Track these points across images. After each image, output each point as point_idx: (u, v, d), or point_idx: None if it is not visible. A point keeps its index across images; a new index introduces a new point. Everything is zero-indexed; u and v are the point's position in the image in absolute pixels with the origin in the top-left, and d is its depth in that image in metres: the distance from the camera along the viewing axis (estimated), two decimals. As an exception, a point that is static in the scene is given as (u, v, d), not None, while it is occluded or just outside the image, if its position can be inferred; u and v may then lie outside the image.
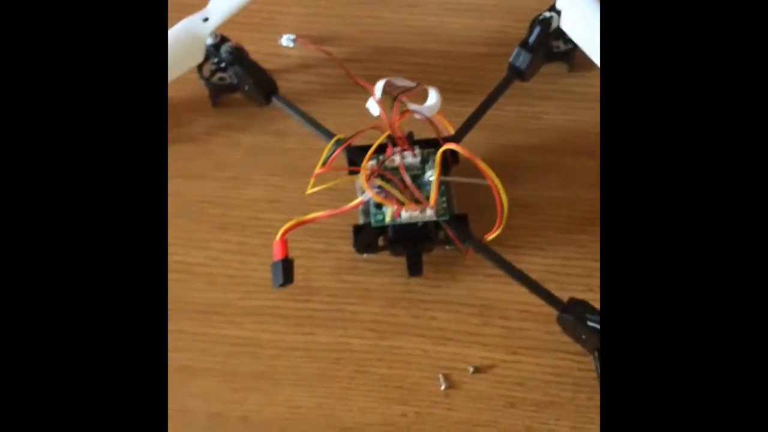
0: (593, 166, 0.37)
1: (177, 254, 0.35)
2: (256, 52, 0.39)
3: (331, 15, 0.42)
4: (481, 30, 0.41)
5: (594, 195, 0.36)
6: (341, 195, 0.33)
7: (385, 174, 0.32)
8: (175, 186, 0.37)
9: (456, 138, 0.33)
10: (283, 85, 0.38)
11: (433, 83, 0.39)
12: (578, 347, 0.32)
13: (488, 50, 0.40)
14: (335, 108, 0.39)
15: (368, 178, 0.31)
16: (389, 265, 0.35)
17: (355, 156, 0.32)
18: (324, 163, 0.31)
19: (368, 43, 0.41)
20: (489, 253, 0.31)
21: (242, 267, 0.35)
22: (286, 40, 0.40)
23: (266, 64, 0.40)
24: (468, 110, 0.36)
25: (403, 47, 0.41)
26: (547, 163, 0.37)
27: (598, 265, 0.34)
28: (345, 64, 0.39)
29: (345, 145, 0.31)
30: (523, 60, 0.34)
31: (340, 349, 0.33)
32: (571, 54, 0.37)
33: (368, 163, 0.31)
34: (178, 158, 0.38)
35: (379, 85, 0.31)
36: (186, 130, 0.39)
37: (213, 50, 0.35)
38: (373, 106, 0.31)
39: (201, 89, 0.39)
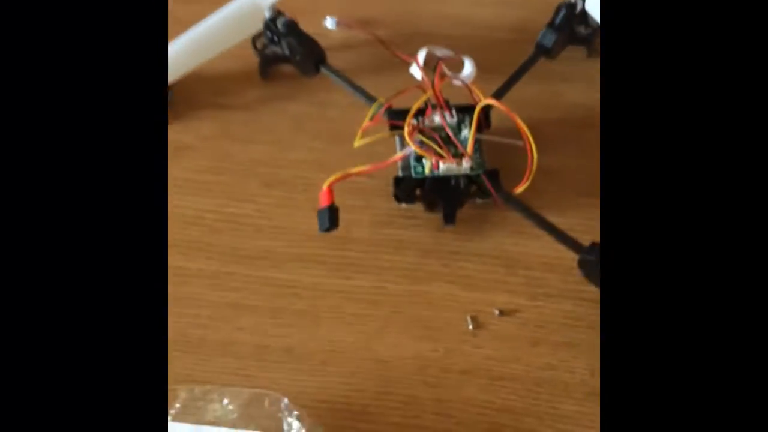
0: (609, 139, 0.40)
1: (228, 207, 0.39)
2: (300, 33, 0.43)
3: (372, 1, 0.46)
4: (507, 19, 0.45)
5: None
6: (381, 154, 0.37)
7: (424, 129, 0.35)
8: (225, 147, 0.41)
9: (488, 105, 0.37)
10: (327, 62, 0.42)
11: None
12: (593, 294, 0.35)
13: (513, 36, 0.44)
14: (374, 81, 0.42)
15: (410, 134, 0.34)
16: (422, 220, 0.38)
17: (396, 116, 0.36)
18: (371, 118, 0.35)
19: (404, 28, 0.45)
20: (517, 203, 0.35)
21: (287, 219, 0.39)
22: (330, 22, 0.44)
23: (310, 43, 0.44)
24: (495, 87, 0.39)
25: (436, 32, 0.45)
26: (566, 134, 0.41)
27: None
28: (385, 41, 0.43)
29: (390, 102, 0.35)
30: (549, 39, 0.38)
31: (377, 293, 0.36)
32: (591, 39, 0.41)
33: (410, 121, 0.35)
34: (229, 124, 0.42)
35: (422, 53, 0.35)
36: (236, 99, 0.43)
37: (270, 23, 0.38)
38: (416, 71, 0.35)
39: (250, 63, 0.43)
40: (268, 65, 0.42)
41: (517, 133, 0.36)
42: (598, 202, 0.38)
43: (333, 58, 0.44)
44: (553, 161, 0.40)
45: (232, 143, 0.41)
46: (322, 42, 0.44)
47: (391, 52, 0.41)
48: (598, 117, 0.41)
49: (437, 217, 0.37)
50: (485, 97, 0.38)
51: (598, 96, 0.41)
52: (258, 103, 0.43)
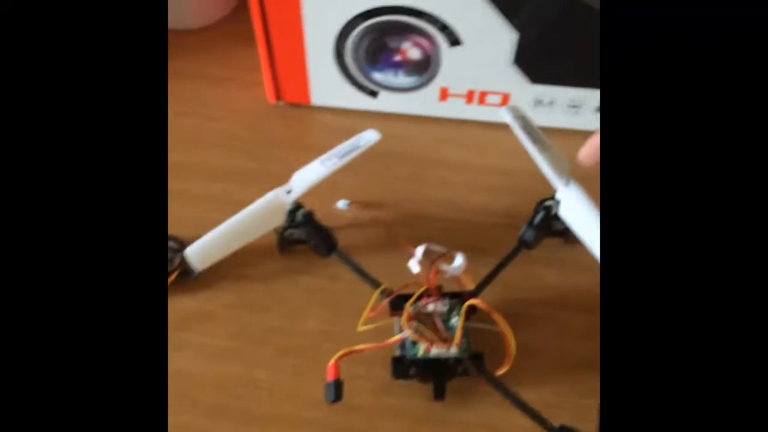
0: (582, 319, 0.46)
1: (245, 372, 0.44)
2: (318, 210, 0.49)
3: (379, 186, 0.53)
4: (496, 206, 0.52)
5: (583, 344, 0.45)
6: (381, 331, 0.42)
7: (419, 315, 0.41)
8: (244, 316, 0.46)
9: (476, 293, 0.43)
10: (337, 239, 0.48)
11: (456, 244, 0.49)
12: (566, 467, 0.40)
13: (502, 221, 0.50)
14: (378, 260, 0.48)
15: (407, 320, 0.40)
16: (417, 389, 0.43)
17: (396, 302, 0.42)
18: (373, 308, 0.40)
19: (407, 210, 0.52)
20: (498, 384, 0.40)
21: (297, 386, 0.44)
22: (342, 204, 0.51)
23: (325, 221, 0.50)
24: (484, 269, 0.45)
25: (434, 215, 0.51)
26: (544, 314, 0.46)
27: (587, 402, 0.43)
28: (389, 226, 0.50)
29: (392, 297, 0.41)
30: (529, 235, 0.44)
31: (374, 457, 0.41)
32: (566, 232, 0.47)
33: (408, 309, 0.40)
34: (250, 294, 0.47)
35: (420, 250, 0.41)
36: (256, 270, 0.49)
37: (290, 214, 0.45)
38: (415, 266, 0.41)
39: (269, 239, 0.49)
40: (286, 245, 0.48)
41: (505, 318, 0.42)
42: (570, 378, 0.44)
43: (344, 235, 0.50)
44: (533, 339, 0.45)
45: (251, 312, 0.47)
46: (336, 221, 0.51)
47: (395, 239, 0.48)
48: (572, 299, 0.47)
49: (430, 386, 0.42)
50: (475, 282, 0.44)
51: (572, 280, 0.48)
52: (275, 275, 0.48)
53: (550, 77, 0.51)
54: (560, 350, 0.45)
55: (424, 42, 0.50)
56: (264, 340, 0.45)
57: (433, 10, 0.48)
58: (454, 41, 0.50)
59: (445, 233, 0.50)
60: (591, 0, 0.46)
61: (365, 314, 0.41)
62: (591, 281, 0.47)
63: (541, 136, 0.44)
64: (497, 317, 0.39)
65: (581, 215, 0.42)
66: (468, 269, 0.43)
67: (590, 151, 0.39)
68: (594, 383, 0.43)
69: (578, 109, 0.53)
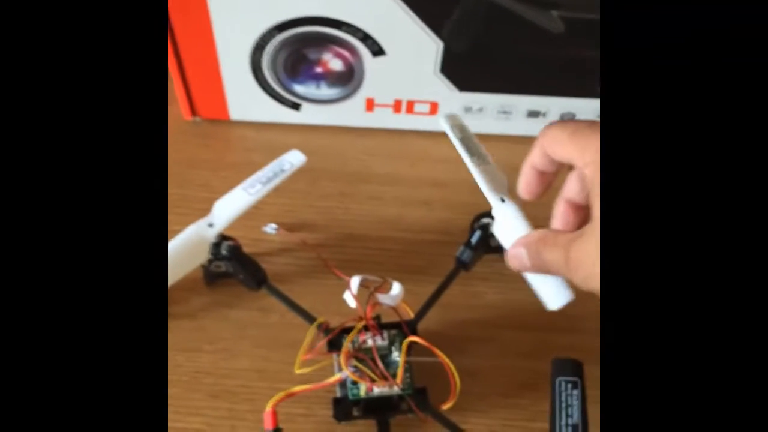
0: (524, 337, 0.45)
1: (177, 421, 0.41)
2: (243, 237, 0.46)
3: (307, 206, 0.50)
4: (431, 220, 0.50)
5: (527, 364, 0.44)
6: (321, 367, 0.40)
7: (358, 354, 0.39)
8: (173, 358, 0.43)
9: (415, 321, 0.41)
10: (266, 267, 0.45)
11: (392, 266, 0.48)
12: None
13: (438, 238, 0.49)
14: (311, 287, 0.46)
15: (346, 359, 0.38)
16: (361, 427, 0.41)
17: (333, 341, 0.39)
18: (310, 348, 0.38)
19: (337, 230, 0.49)
20: (443, 420, 0.39)
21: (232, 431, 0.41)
22: (269, 228, 0.48)
23: (252, 248, 0.47)
24: (423, 289, 0.43)
25: (367, 234, 0.49)
26: (486, 335, 0.45)
27: (534, 425, 0.42)
28: (319, 250, 0.47)
29: (330, 336, 0.38)
30: (467, 256, 0.43)
31: (319, 504, 0.39)
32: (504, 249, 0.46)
33: (347, 347, 0.38)
34: (177, 333, 0.44)
35: (355, 282, 0.39)
36: (183, 307, 0.45)
37: (214, 247, 0.42)
38: (350, 299, 0.39)
39: (195, 272, 0.46)
40: (213, 279, 0.45)
41: (444, 341, 0.40)
42: (516, 402, 0.43)
43: (273, 262, 0.48)
44: (476, 363, 0.44)
45: (178, 353, 0.44)
46: (263, 246, 0.48)
47: (327, 266, 0.45)
48: (512, 317, 0.46)
49: (374, 423, 0.40)
50: (413, 309, 0.42)
51: (511, 296, 0.47)
52: (202, 310, 0.45)
53: (478, 85, 0.50)
54: (504, 372, 0.44)
55: (345, 53, 0.48)
56: (194, 383, 0.43)
57: (353, 21, 0.45)
58: (377, 51, 0.47)
59: (378, 254, 0.48)
60: (549, 24, 0.44)
61: (300, 356, 0.38)
62: (530, 298, 0.46)
63: (479, 147, 0.42)
64: (438, 353, 0.37)
65: (513, 235, 0.40)
66: (406, 292, 0.42)
67: (528, 183, 0.37)
68: (540, 405, 0.42)
69: (509, 114, 0.52)
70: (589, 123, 0.32)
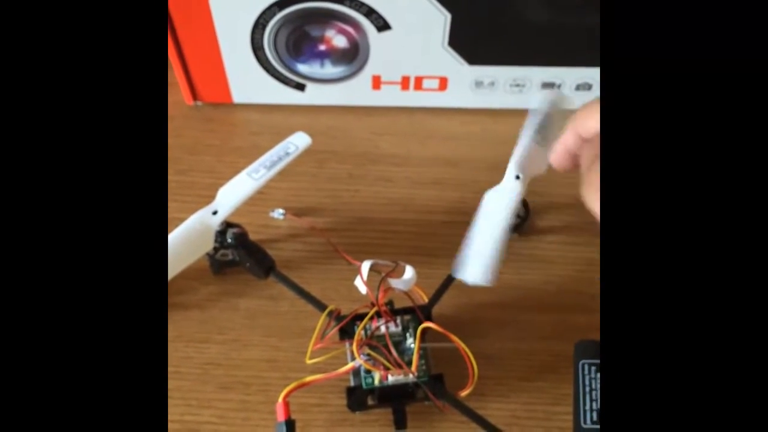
0: (543, 319, 0.43)
1: (188, 414, 0.40)
2: (250, 223, 0.45)
3: (314, 189, 0.49)
4: (443, 200, 0.48)
5: (546, 346, 0.43)
6: (333, 356, 0.39)
7: (371, 342, 0.37)
8: (182, 350, 0.42)
9: (429, 306, 0.40)
10: (274, 253, 0.43)
11: (403, 249, 0.46)
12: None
13: (450, 218, 0.47)
14: (321, 273, 0.45)
15: (358, 348, 0.36)
16: (375, 415, 0.40)
17: (345, 326, 0.38)
18: (322, 338, 0.37)
19: (347, 214, 0.48)
20: (461, 407, 0.37)
21: (245, 423, 0.40)
22: (276, 213, 0.47)
23: (259, 235, 0.46)
24: (436, 272, 0.42)
25: (377, 217, 0.47)
26: (504, 318, 0.43)
27: (555, 408, 0.41)
28: (328, 234, 0.46)
29: (341, 325, 0.37)
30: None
31: (335, 495, 0.38)
32: (521, 225, 0.44)
33: (359, 335, 0.37)
34: (185, 324, 0.43)
35: (366, 267, 0.37)
36: (190, 298, 0.44)
37: (219, 235, 0.40)
38: (361, 285, 0.37)
39: (202, 261, 0.44)
40: (220, 267, 0.44)
41: (460, 325, 0.39)
42: (536, 384, 0.42)
43: (281, 248, 0.46)
44: (494, 346, 0.42)
45: (187, 345, 0.42)
46: (270, 233, 0.47)
47: (336, 251, 0.44)
48: (530, 299, 0.44)
49: (389, 411, 0.39)
50: (427, 293, 0.41)
51: (529, 276, 0.45)
52: (211, 300, 0.44)
53: (488, 57, 0.48)
54: (523, 356, 0.42)
55: (349, 29, 0.46)
56: (204, 375, 0.41)
57: (356, -6, 0.43)
58: (383, 26, 0.45)
59: (389, 237, 0.47)
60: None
61: (311, 346, 0.37)
62: (546, 277, 0.45)
63: (552, 130, 0.41)
64: (455, 338, 0.36)
65: (495, 214, 0.39)
66: (418, 275, 0.40)
67: (559, 156, 0.37)
68: (562, 388, 0.40)
69: (522, 87, 0.50)
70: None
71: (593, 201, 0.33)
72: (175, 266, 0.38)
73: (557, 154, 0.37)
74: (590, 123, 0.34)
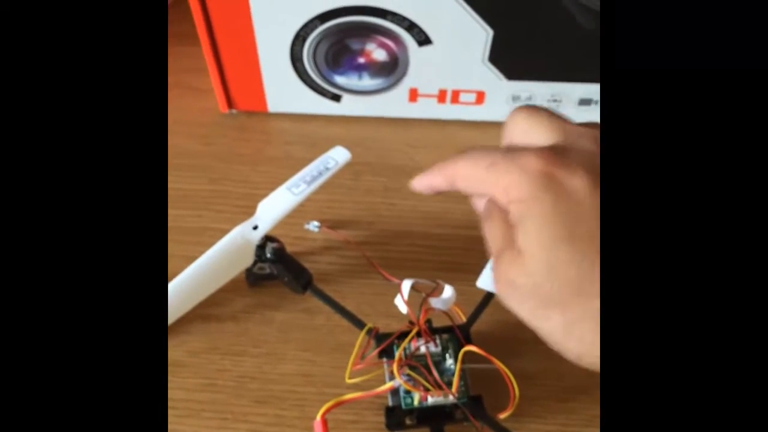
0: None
1: (223, 428, 0.40)
2: (285, 235, 0.45)
3: (350, 201, 0.48)
4: (476, 215, 0.48)
5: (577, 366, 0.42)
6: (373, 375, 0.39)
7: (411, 363, 0.37)
8: (215, 362, 0.42)
9: (467, 325, 0.39)
10: (310, 266, 0.43)
11: (438, 264, 0.46)
12: None
13: (485, 234, 0.47)
14: (356, 287, 0.45)
15: (399, 368, 0.36)
16: (412, 434, 0.40)
17: (386, 353, 0.38)
18: (363, 358, 0.37)
19: (382, 227, 0.48)
20: (501, 430, 0.37)
21: (281, 439, 0.40)
22: (312, 226, 0.47)
23: (294, 247, 0.46)
24: (471, 288, 0.41)
25: (413, 231, 0.47)
26: (538, 336, 0.43)
27: (587, 430, 0.40)
28: (363, 248, 0.46)
29: (382, 347, 0.37)
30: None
31: None
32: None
33: (399, 355, 0.37)
34: (220, 336, 0.43)
35: (406, 286, 0.37)
36: (224, 310, 0.44)
37: (258, 249, 0.40)
38: (402, 305, 0.37)
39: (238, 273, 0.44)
40: (256, 280, 0.44)
41: (496, 343, 0.38)
42: (570, 406, 0.41)
43: (316, 261, 0.46)
44: (531, 365, 0.42)
45: (222, 358, 0.42)
46: (305, 245, 0.47)
47: (373, 266, 0.44)
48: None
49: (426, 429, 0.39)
50: (465, 311, 0.40)
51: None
52: (246, 313, 0.44)
53: (527, 73, 0.47)
54: (558, 375, 0.42)
55: (389, 43, 0.46)
56: (239, 389, 0.42)
57: (399, 9, 0.43)
58: (424, 40, 0.45)
59: (425, 252, 0.46)
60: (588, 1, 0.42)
61: (350, 365, 0.37)
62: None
63: None
64: (496, 362, 0.36)
65: None
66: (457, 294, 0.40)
67: (424, 181, 0.35)
68: (593, 409, 0.40)
69: (559, 103, 0.49)
70: (503, 153, 0.30)
71: (510, 297, 0.31)
72: (216, 280, 0.38)
73: (421, 186, 0.35)
74: (474, 186, 0.32)
